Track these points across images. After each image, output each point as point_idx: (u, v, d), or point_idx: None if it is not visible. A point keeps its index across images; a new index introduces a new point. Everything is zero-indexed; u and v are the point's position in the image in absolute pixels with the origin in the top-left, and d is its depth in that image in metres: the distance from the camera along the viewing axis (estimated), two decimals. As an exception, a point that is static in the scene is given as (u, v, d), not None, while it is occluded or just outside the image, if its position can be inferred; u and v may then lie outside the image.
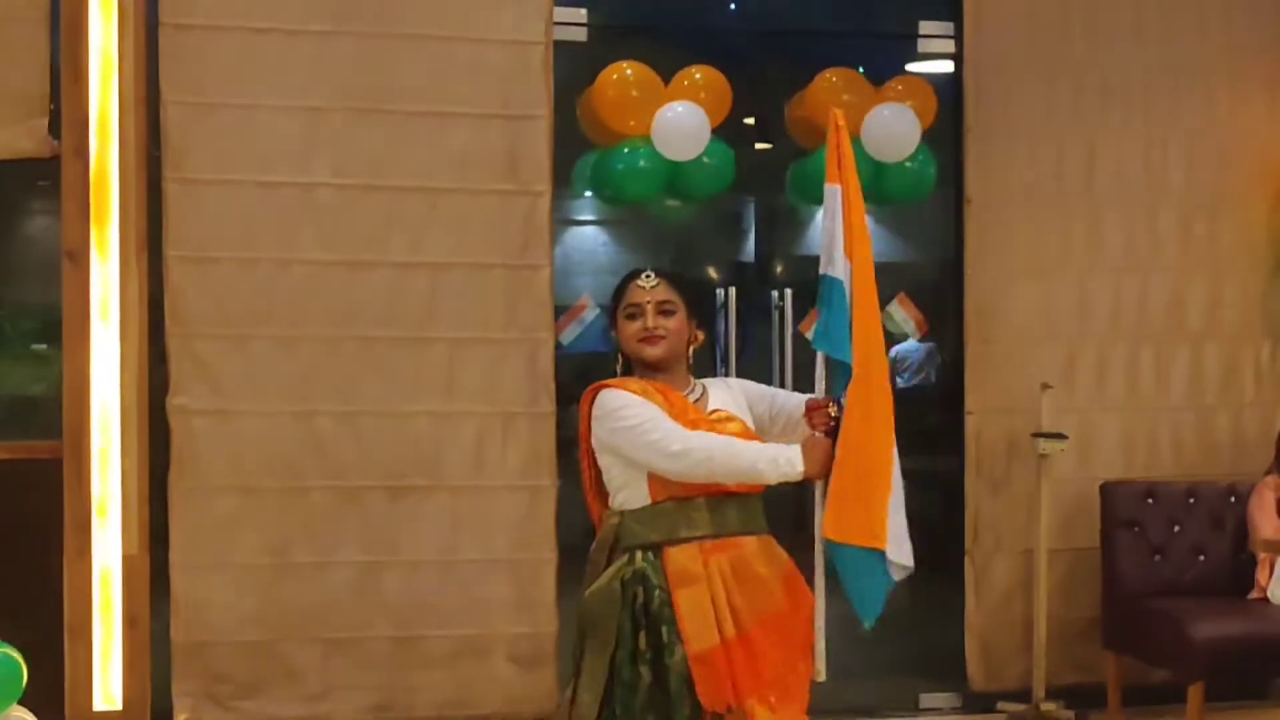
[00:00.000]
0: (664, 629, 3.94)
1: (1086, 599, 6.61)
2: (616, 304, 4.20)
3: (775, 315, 6.85)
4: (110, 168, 5.84)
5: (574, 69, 6.44)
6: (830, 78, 6.53)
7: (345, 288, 6.09)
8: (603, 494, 4.19)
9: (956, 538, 6.72)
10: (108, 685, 5.86)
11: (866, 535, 3.99)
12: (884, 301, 6.91)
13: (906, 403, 7.79)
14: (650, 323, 4.10)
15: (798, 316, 6.80)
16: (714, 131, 6.33)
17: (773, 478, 3.95)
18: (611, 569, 4.03)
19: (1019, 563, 6.68)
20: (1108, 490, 6.51)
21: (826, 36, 7.03)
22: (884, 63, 6.86)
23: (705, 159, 6.30)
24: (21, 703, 5.37)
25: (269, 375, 6.03)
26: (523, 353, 6.21)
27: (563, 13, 6.30)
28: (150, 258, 5.92)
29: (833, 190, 4.20)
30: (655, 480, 3.98)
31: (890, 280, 7.80)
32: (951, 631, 6.76)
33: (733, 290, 6.75)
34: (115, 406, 5.84)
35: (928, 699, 6.77)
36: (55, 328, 5.91)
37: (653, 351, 4.10)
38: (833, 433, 4.01)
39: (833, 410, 4.05)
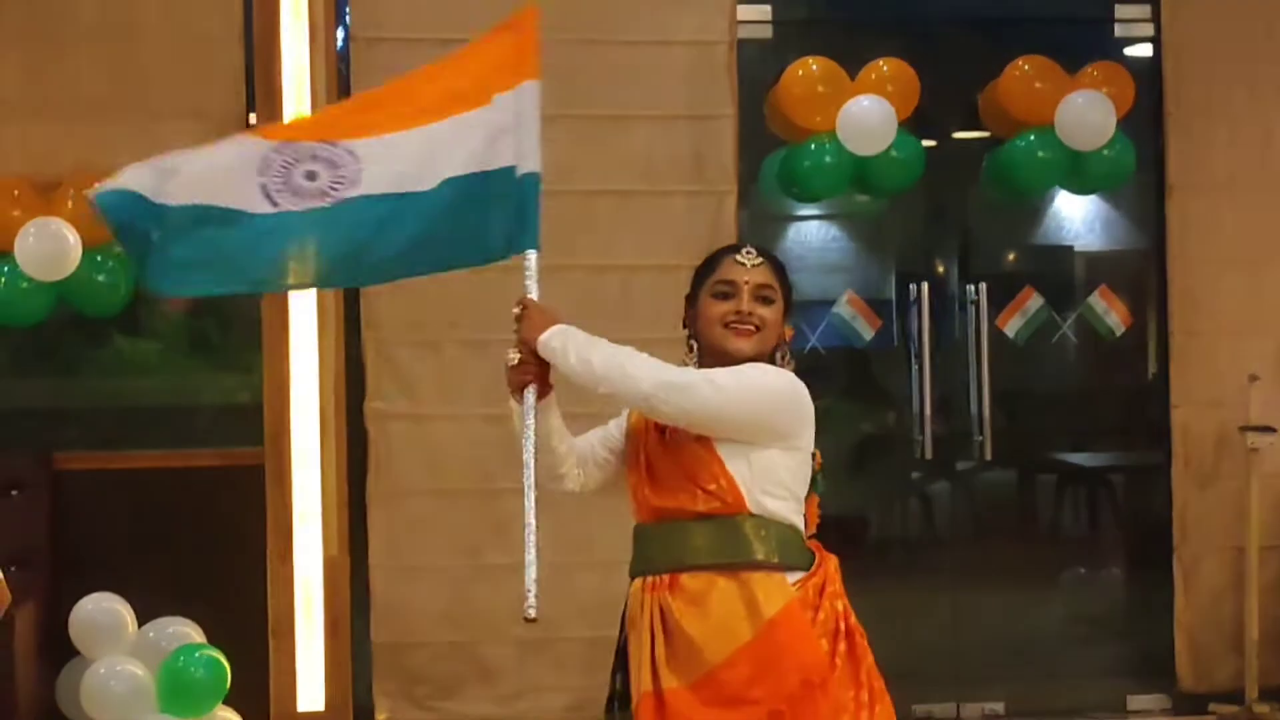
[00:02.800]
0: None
1: (1301, 598, 6.39)
2: (701, 278, 3.69)
3: (971, 310, 6.73)
4: (304, 180, 5.97)
5: (759, 66, 6.42)
6: (1022, 65, 6.40)
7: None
8: None
9: (1164, 535, 6.54)
10: (310, 686, 5.99)
11: None
12: (1086, 293, 6.88)
13: (1109, 396, 7.69)
14: (746, 306, 3.52)
15: (994, 311, 6.69)
16: (902, 124, 6.25)
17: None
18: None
19: (1229, 560, 6.48)
20: (1320, 485, 6.29)
21: (1019, 23, 6.89)
22: (1079, 48, 6.69)
23: (893, 153, 6.22)
24: (226, 703, 5.54)
25: (461, 378, 6.11)
26: (712, 353, 6.19)
27: (746, 10, 6.31)
28: (345, 266, 6.04)
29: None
30: (635, 496, 3.71)
31: (1091, 270, 7.65)
32: (1161, 631, 6.59)
33: (925, 285, 6.66)
34: (314, 412, 5.98)
35: (1135, 701, 6.61)
36: (258, 336, 6.07)
37: (741, 344, 3.53)
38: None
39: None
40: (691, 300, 3.71)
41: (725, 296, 3.58)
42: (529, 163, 3.86)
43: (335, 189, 3.58)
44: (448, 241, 3.87)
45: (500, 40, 4.05)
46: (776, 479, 3.47)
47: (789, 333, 3.61)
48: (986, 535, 7.15)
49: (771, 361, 3.55)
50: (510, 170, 3.83)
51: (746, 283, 3.55)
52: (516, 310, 3.78)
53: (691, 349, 3.73)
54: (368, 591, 6.08)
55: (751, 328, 3.53)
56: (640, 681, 3.48)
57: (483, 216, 3.84)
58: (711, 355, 3.62)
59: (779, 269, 3.61)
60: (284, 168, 3.54)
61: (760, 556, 3.43)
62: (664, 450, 3.62)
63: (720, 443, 3.47)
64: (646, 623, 3.52)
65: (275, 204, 3.52)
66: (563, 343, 3.73)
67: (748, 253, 3.60)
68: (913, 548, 7.38)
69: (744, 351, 3.52)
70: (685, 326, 3.79)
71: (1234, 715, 6.32)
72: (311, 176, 3.58)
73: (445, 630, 6.11)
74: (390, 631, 6.08)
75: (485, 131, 3.85)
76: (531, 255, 3.90)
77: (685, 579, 3.49)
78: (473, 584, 6.10)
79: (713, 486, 3.46)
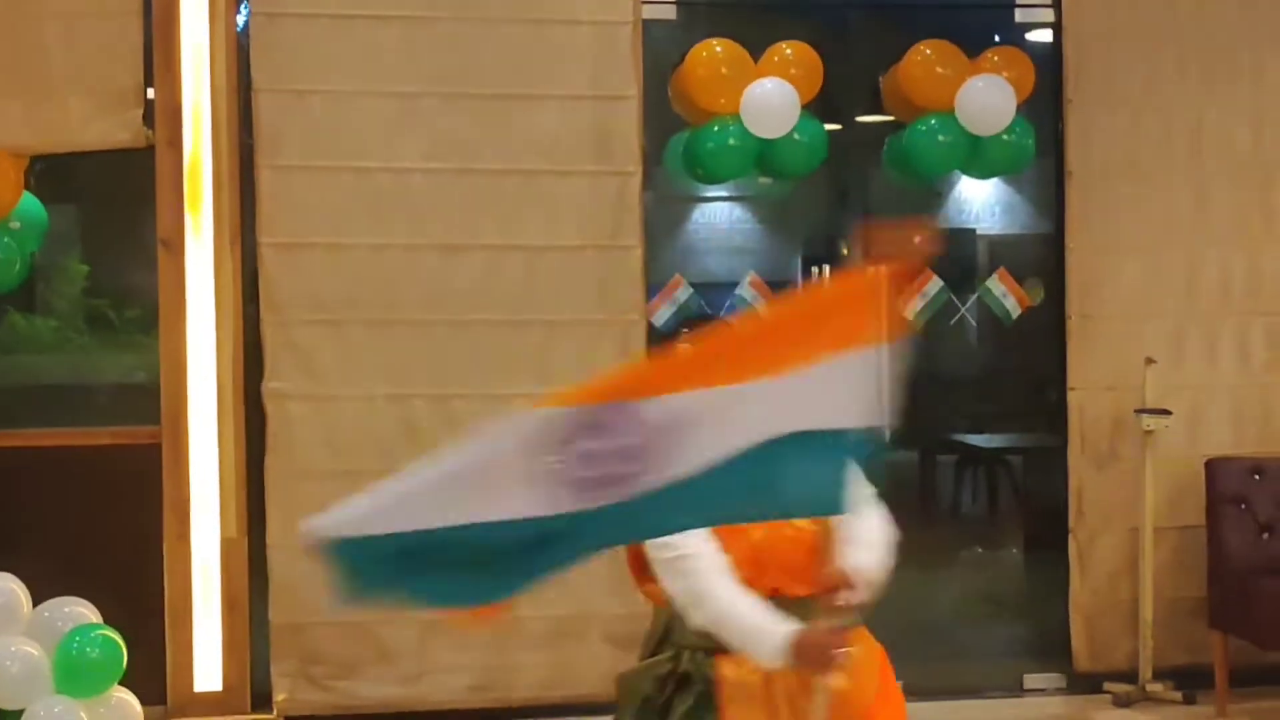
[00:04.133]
0: None
1: (1194, 578, 6.46)
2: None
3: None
4: (203, 157, 5.93)
5: (664, 47, 6.42)
6: (924, 50, 6.43)
7: (438, 271, 6.12)
8: (647, 570, 3.40)
9: (1061, 516, 6.61)
10: (208, 667, 5.95)
11: None
12: (987, 276, 6.93)
13: (1008, 378, 7.78)
14: None
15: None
16: (805, 107, 6.27)
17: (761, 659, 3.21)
18: (654, 659, 3.41)
19: (1125, 541, 6.55)
20: (1213, 467, 6.36)
21: (921, 8, 6.93)
22: (981, 33, 6.75)
23: (796, 136, 6.24)
24: (123, 684, 5.48)
25: (363, 359, 6.08)
26: (615, 334, 6.20)
27: (651, -9, 6.30)
28: (244, 245, 6.00)
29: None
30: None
31: (992, 253, 7.72)
32: (1057, 611, 6.66)
33: (826, 269, 6.70)
34: (212, 392, 5.93)
35: (1032, 679, 6.66)
36: (156, 314, 6.01)
37: None
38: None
39: (853, 598, 3.15)
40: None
41: None
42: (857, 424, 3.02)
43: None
44: (746, 496, 3.03)
45: (846, 297, 3.06)
46: None
47: None
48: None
49: None
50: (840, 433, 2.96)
51: None
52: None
53: None
54: (266, 572, 6.03)
55: None
56: None
57: (796, 473, 2.99)
58: None
59: None
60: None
61: None
62: None
63: None
64: (781, 703, 3.27)
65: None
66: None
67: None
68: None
69: None
70: None
71: (1128, 694, 6.40)
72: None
73: (346, 611, 6.06)
74: (289, 612, 6.03)
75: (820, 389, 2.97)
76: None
77: None
78: (374, 564, 6.06)
79: None
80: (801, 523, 3.31)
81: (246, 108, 6.03)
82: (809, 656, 3.11)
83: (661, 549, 3.28)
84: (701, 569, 3.22)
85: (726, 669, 3.28)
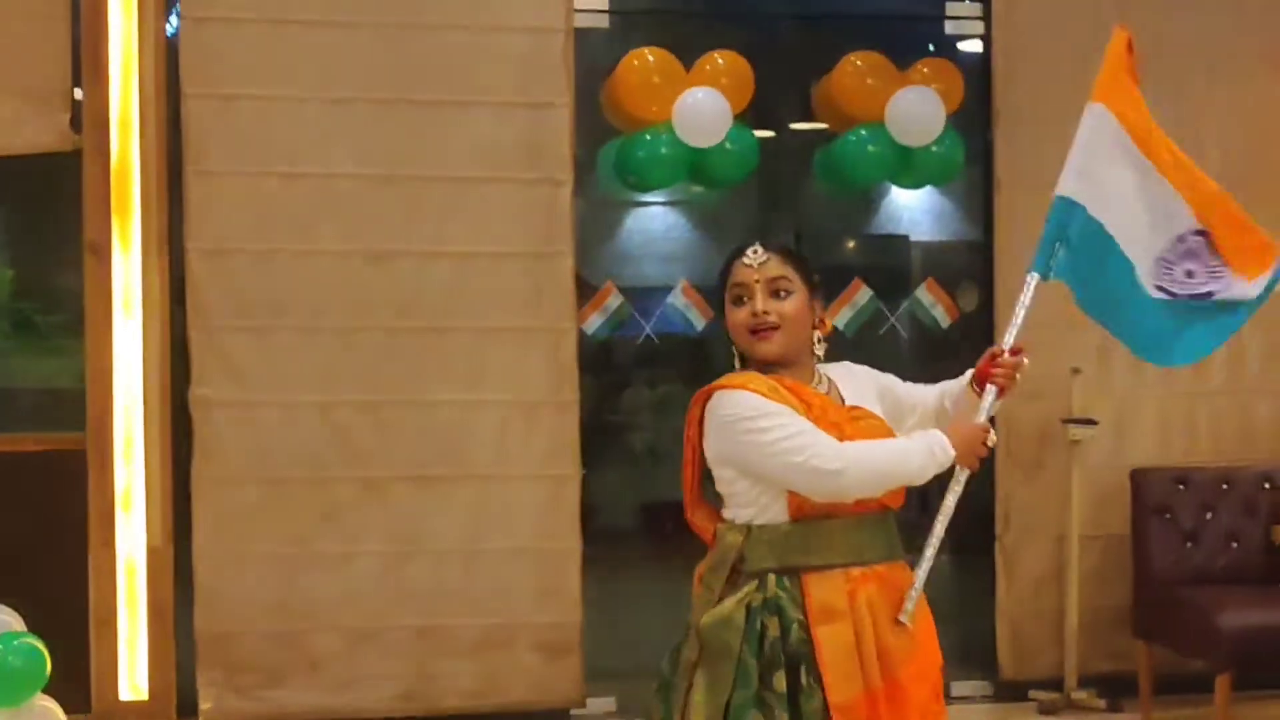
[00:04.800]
0: (802, 669, 3.31)
1: (1119, 587, 6.51)
2: (721, 286, 3.53)
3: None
4: (131, 162, 5.90)
5: (597, 55, 6.42)
6: (855, 61, 6.46)
7: (367, 278, 6.10)
8: (705, 503, 3.56)
9: (987, 524, 6.65)
10: (133, 675, 5.93)
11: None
12: (918, 282, 6.97)
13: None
14: (760, 306, 3.40)
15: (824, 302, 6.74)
16: (737, 117, 6.29)
17: (930, 475, 3.40)
18: (738, 594, 3.38)
19: (1051, 550, 6.61)
20: (1138, 477, 6.41)
21: (853, 19, 6.96)
22: (911, 45, 6.78)
23: (728, 145, 6.26)
24: (47, 692, 5.42)
25: (291, 366, 6.05)
26: (546, 342, 6.20)
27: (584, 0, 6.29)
28: (171, 250, 5.97)
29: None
30: (796, 495, 3.37)
31: (924, 262, 7.75)
32: (983, 619, 6.70)
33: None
34: (138, 398, 5.90)
35: (959, 687, 6.68)
36: (82, 320, 5.96)
37: (766, 348, 3.41)
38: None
39: (1020, 364, 3.55)
40: (722, 310, 3.54)
41: (741, 301, 3.45)
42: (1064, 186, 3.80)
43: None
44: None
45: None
46: None
47: (826, 324, 3.57)
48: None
49: (811, 348, 3.51)
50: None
51: (757, 281, 3.43)
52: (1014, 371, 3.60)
53: (735, 354, 3.54)
54: (192, 580, 6.00)
55: (771, 329, 3.42)
56: (845, 684, 3.32)
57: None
58: (751, 361, 3.49)
59: (793, 258, 3.51)
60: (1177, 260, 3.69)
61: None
62: None
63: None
64: (865, 614, 3.36)
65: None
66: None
67: (754, 251, 3.47)
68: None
69: (770, 354, 3.44)
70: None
71: (1053, 702, 6.45)
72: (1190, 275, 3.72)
73: (271, 619, 6.04)
74: (215, 620, 6.00)
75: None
76: (1030, 279, 3.75)
77: (894, 571, 3.46)
78: (300, 573, 6.05)
79: None
80: (873, 420, 3.48)
81: (175, 113, 5.98)
82: (967, 446, 3.42)
83: (741, 429, 3.35)
84: (823, 443, 3.31)
85: (812, 587, 3.35)
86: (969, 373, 3.64)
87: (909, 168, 6.50)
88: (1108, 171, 3.77)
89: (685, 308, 6.56)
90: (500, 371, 6.18)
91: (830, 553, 3.37)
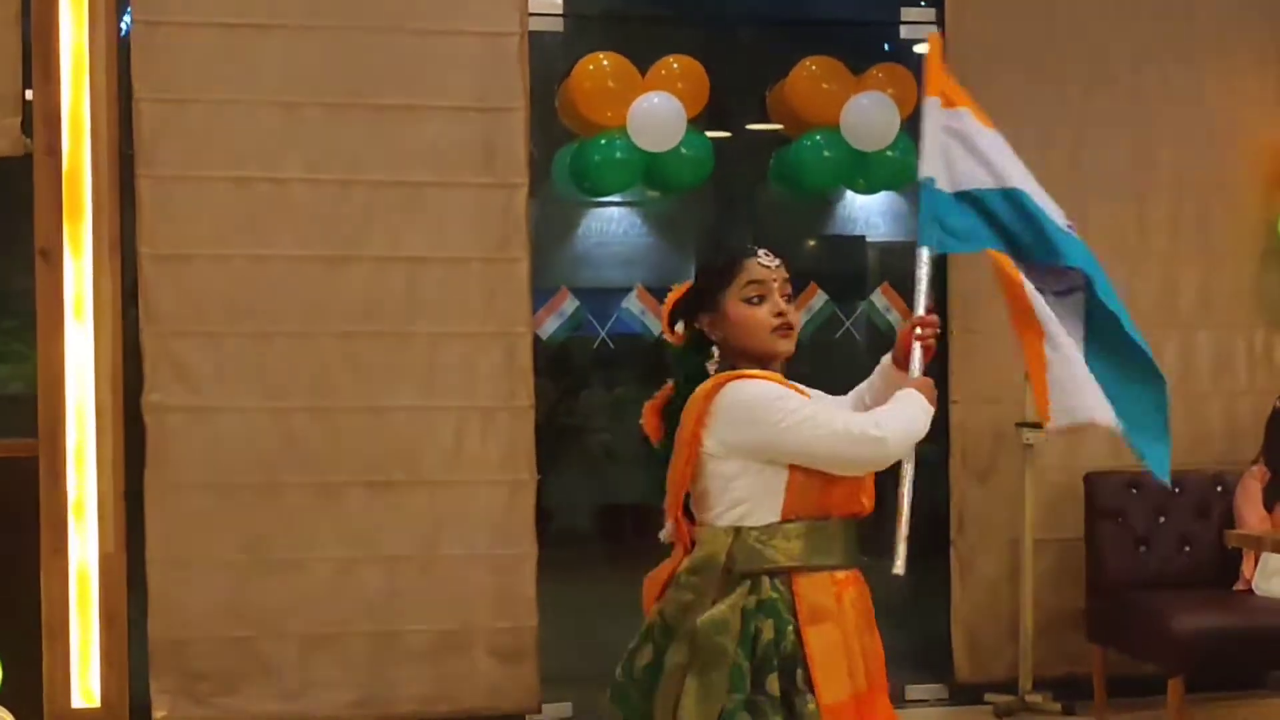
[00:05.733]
0: (798, 672, 3.31)
1: (1074, 590, 6.53)
2: (722, 282, 3.48)
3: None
4: (83, 166, 5.84)
5: (551, 59, 6.41)
6: (810, 66, 6.48)
7: (321, 283, 6.07)
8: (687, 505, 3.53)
9: (942, 528, 6.66)
10: (86, 683, 5.87)
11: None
12: (875, 283, 6.98)
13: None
14: (785, 307, 3.47)
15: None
16: (692, 121, 6.29)
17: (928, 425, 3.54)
18: (732, 596, 3.37)
19: (1006, 553, 6.62)
20: (1091, 481, 6.44)
21: (808, 24, 6.98)
22: (866, 50, 6.80)
23: (683, 150, 6.26)
24: (-2, 701, 5.40)
25: (244, 372, 6.01)
26: (501, 346, 6.18)
27: (538, 3, 6.27)
28: (124, 255, 5.92)
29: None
30: (793, 493, 3.37)
31: (881, 264, 7.77)
32: (937, 622, 6.73)
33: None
34: (90, 404, 5.85)
35: (914, 690, 6.71)
36: (33, 324, 5.91)
37: (788, 345, 3.48)
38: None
39: (937, 322, 3.69)
40: (709, 305, 3.52)
41: (757, 300, 3.46)
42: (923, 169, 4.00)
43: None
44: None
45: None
46: None
47: None
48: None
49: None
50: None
51: (775, 281, 3.48)
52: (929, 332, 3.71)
53: (714, 355, 3.55)
54: (145, 587, 5.96)
55: (791, 328, 3.50)
56: (835, 686, 3.34)
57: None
58: (749, 359, 3.48)
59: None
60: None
61: None
62: None
63: None
64: (854, 617, 3.43)
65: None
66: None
67: (766, 253, 3.53)
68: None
69: (790, 351, 3.50)
70: (694, 329, 3.58)
71: (1008, 705, 6.47)
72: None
73: (225, 626, 6.00)
74: (168, 627, 5.96)
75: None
76: (922, 252, 3.90)
77: (861, 577, 3.52)
78: (253, 579, 6.01)
79: None
80: None
81: (127, 116, 5.94)
82: (930, 394, 3.53)
83: (776, 414, 3.37)
84: (853, 415, 3.49)
85: (803, 589, 3.36)
86: (884, 359, 3.74)
87: (864, 172, 6.52)
88: (976, 147, 4.12)
89: (640, 312, 6.56)
90: (455, 376, 6.16)
91: (821, 555, 3.39)
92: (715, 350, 3.53)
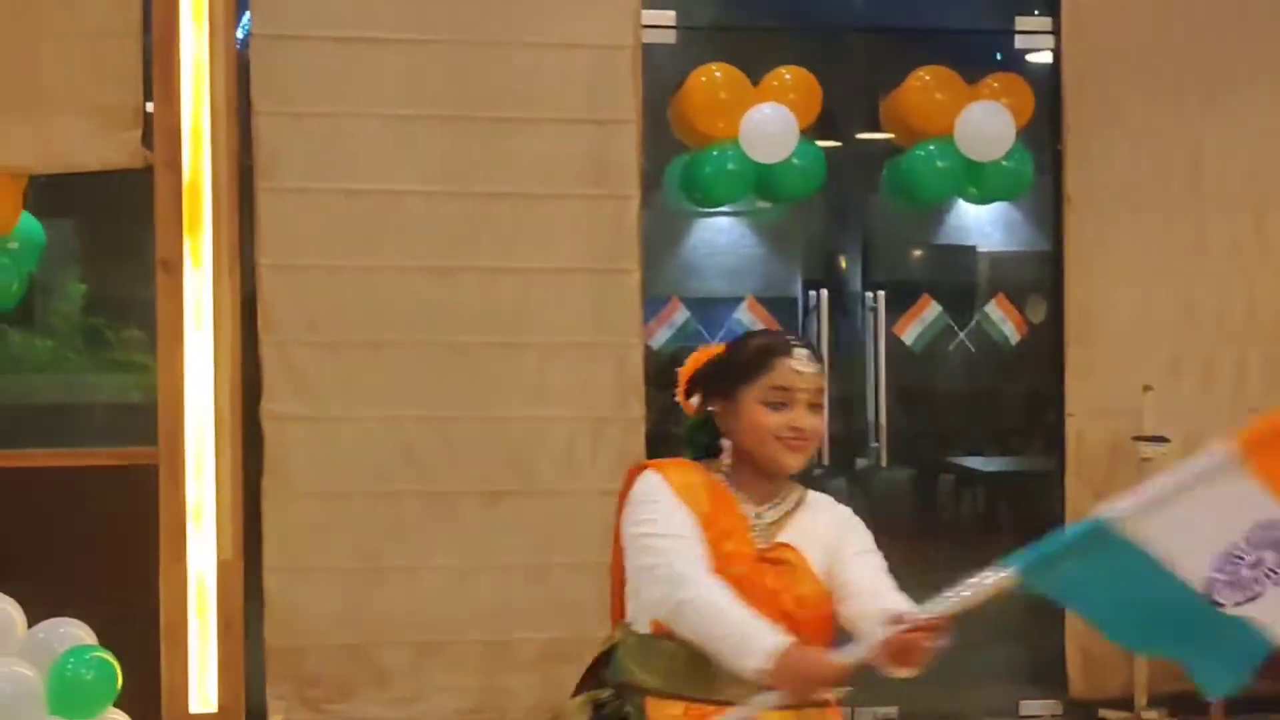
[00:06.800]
0: None
1: (1190, 605, 6.45)
2: (746, 375, 3.23)
3: (869, 317, 6.79)
4: (202, 178, 5.92)
5: (664, 71, 6.42)
6: (923, 75, 6.45)
7: (435, 294, 6.12)
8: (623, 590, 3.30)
9: (1056, 541, 6.60)
10: (203, 689, 5.94)
11: None
12: (986, 297, 6.94)
13: (1005, 401, 7.77)
14: (804, 422, 3.19)
15: (893, 317, 6.74)
16: (804, 131, 6.28)
17: (748, 673, 2.96)
18: (591, 692, 3.30)
19: (1121, 568, 6.54)
20: (1208, 495, 6.35)
21: (921, 33, 6.94)
22: (980, 59, 6.76)
23: (794, 161, 6.25)
24: (118, 705, 5.47)
25: (359, 381, 6.08)
26: (612, 357, 6.20)
27: (651, 15, 6.29)
28: (242, 266, 6.01)
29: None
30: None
31: (992, 275, 7.71)
32: (1052, 637, 6.65)
33: (824, 293, 6.70)
34: (209, 413, 5.92)
35: (1028, 705, 6.65)
36: (154, 334, 6.00)
37: (796, 461, 3.23)
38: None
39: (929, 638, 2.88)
40: (725, 392, 3.27)
41: (779, 406, 3.19)
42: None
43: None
44: None
45: None
46: None
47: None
48: (882, 537, 7.20)
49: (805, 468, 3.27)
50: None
51: (803, 391, 3.21)
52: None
53: (692, 437, 3.37)
54: (262, 594, 6.03)
55: (806, 443, 3.22)
56: None
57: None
58: (754, 463, 3.26)
59: (823, 370, 3.31)
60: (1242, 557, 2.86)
61: None
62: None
63: None
64: None
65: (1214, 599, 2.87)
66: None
67: (806, 355, 3.25)
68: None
69: (796, 468, 3.25)
70: (702, 407, 3.36)
71: (1122, 721, 6.42)
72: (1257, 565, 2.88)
73: (340, 633, 6.07)
74: (284, 634, 6.04)
75: None
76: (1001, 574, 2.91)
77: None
78: (368, 586, 6.07)
79: None
80: (790, 566, 3.19)
81: (245, 129, 6.03)
82: (795, 675, 2.91)
83: (633, 516, 3.17)
84: (685, 565, 3.08)
85: (652, 712, 3.13)
86: (889, 614, 2.97)
87: (978, 183, 6.48)
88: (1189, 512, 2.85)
89: (751, 323, 6.55)
90: (567, 387, 6.19)
91: (680, 682, 3.11)
92: (725, 443, 3.30)
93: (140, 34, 5.93)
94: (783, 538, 3.25)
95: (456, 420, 6.13)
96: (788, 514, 3.28)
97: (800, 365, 3.22)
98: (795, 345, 3.26)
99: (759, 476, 3.27)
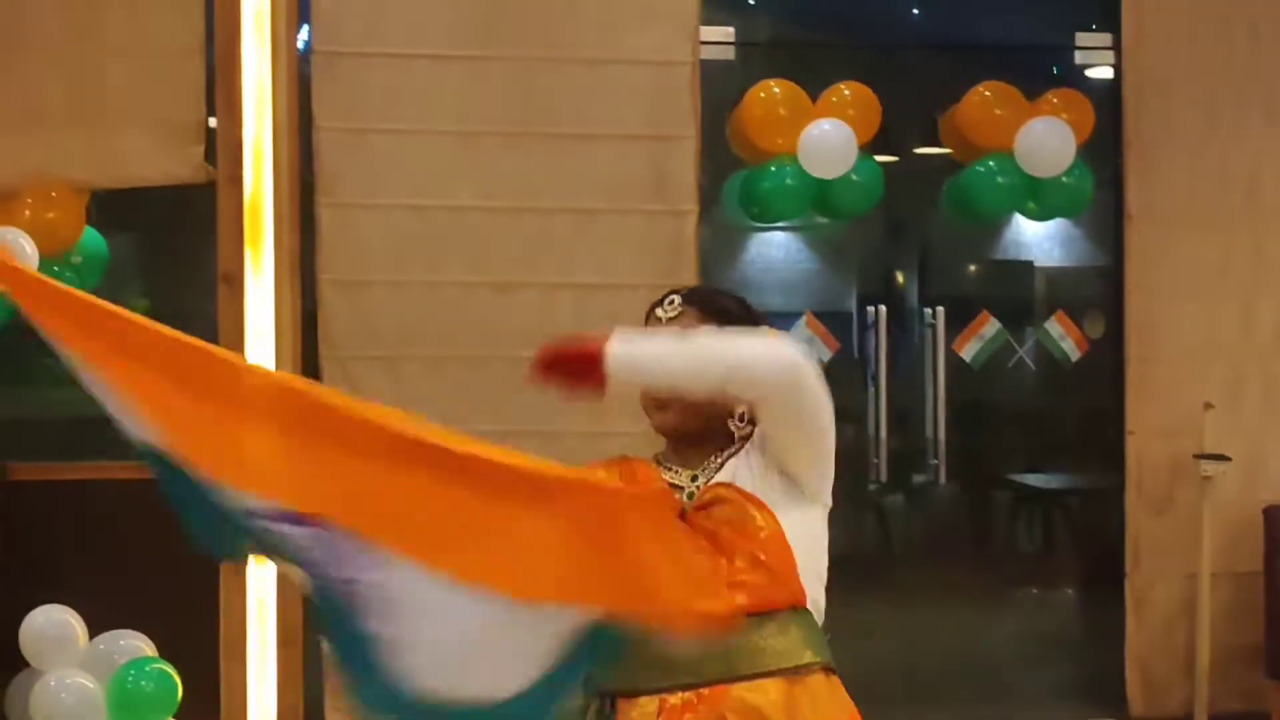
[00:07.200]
0: None
1: (1251, 625, 6.40)
2: None
3: (928, 333, 6.78)
4: (264, 193, 5.95)
5: (722, 87, 6.43)
6: (983, 91, 6.42)
7: (494, 309, 6.14)
8: None
9: (1117, 559, 6.57)
10: (262, 700, 5.96)
11: None
12: (1045, 313, 6.91)
13: (1064, 418, 7.76)
14: None
15: (952, 334, 6.72)
16: (862, 147, 6.27)
17: None
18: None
19: (1181, 587, 6.50)
20: (1271, 514, 6.31)
21: (980, 48, 6.93)
22: (1040, 74, 6.74)
23: (853, 176, 6.23)
24: (177, 717, 5.52)
25: (419, 396, 6.08)
26: (670, 372, 6.19)
27: (710, 31, 6.30)
28: (303, 281, 6.04)
29: None
30: None
31: (1051, 291, 7.68)
32: (1112, 654, 6.62)
33: (882, 309, 6.69)
34: (270, 426, 5.95)
35: (1087, 723, 6.65)
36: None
37: (660, 420, 2.91)
38: None
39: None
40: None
41: None
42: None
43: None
44: None
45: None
46: None
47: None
48: (940, 554, 7.19)
49: (728, 432, 2.87)
50: None
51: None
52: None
53: None
54: (321, 607, 6.05)
55: (665, 401, 2.87)
56: None
57: None
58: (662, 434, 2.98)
59: (718, 313, 2.88)
60: None
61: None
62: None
63: None
64: None
65: None
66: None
67: (669, 302, 2.91)
68: (868, 565, 7.41)
69: (664, 426, 2.94)
70: None
71: (1183, 740, 6.38)
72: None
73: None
74: (343, 647, 6.05)
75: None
76: None
77: (728, 694, 2.75)
78: (427, 601, 6.08)
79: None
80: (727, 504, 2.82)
81: (307, 144, 6.07)
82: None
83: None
84: None
85: (624, 714, 2.77)
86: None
87: (1038, 199, 6.44)
88: None
89: (809, 339, 6.54)
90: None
91: (646, 676, 2.76)
92: None
93: (203, 50, 5.98)
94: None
95: (516, 435, 6.09)
96: (706, 483, 2.89)
97: (660, 313, 2.92)
98: (668, 295, 2.94)
99: (678, 446, 2.96)
